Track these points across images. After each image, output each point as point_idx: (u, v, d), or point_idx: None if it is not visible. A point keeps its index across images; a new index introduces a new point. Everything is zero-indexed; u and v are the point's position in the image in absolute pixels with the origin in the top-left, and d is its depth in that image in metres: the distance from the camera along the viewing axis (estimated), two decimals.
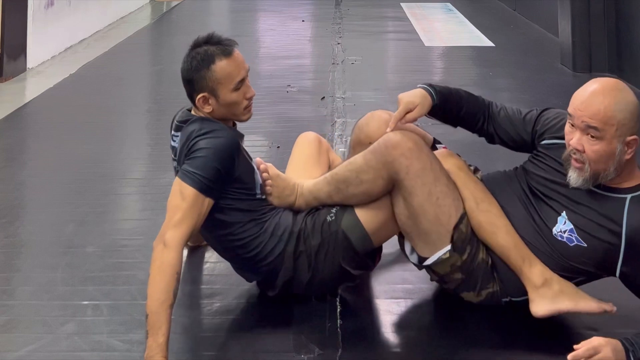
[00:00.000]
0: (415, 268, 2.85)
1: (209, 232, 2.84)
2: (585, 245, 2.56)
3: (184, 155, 2.71)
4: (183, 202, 2.61)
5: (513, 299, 2.73)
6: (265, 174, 2.84)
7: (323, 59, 7.58)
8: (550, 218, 2.64)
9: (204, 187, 2.64)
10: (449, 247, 2.67)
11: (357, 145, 3.02)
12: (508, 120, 2.83)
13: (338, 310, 2.83)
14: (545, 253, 2.64)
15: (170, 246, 2.54)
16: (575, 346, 2.36)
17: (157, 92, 6.61)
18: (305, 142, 3.21)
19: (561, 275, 2.64)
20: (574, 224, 2.59)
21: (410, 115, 2.78)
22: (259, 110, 5.84)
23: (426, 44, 8.46)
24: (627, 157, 2.51)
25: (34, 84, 6.62)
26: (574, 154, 2.53)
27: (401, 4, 11.35)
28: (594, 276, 2.65)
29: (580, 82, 2.66)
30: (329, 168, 3.13)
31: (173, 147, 2.90)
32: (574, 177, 2.55)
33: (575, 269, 2.62)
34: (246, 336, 2.68)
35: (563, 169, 2.60)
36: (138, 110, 5.91)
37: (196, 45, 2.80)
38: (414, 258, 2.79)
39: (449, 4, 11.33)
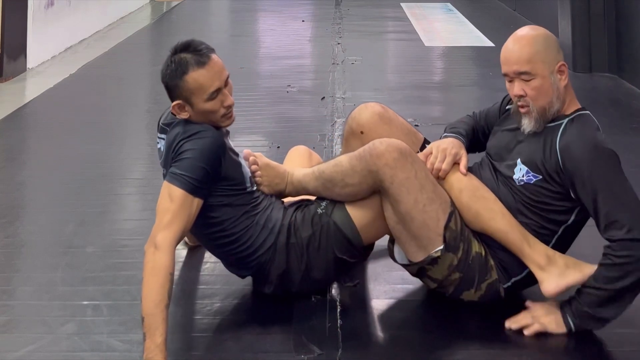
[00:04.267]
0: None
1: (201, 231, 2.84)
2: (540, 177, 2.68)
3: (170, 158, 2.72)
4: (172, 204, 2.61)
5: (515, 278, 2.74)
6: (254, 166, 2.89)
7: (323, 59, 7.58)
8: (510, 171, 2.75)
9: (192, 187, 2.64)
10: (441, 246, 2.69)
11: (350, 135, 3.06)
12: (485, 115, 3.03)
13: (338, 310, 2.83)
14: (523, 212, 2.72)
15: (161, 248, 2.54)
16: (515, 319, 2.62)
17: (157, 92, 6.59)
18: (296, 154, 3.32)
19: (546, 233, 2.71)
20: (526, 164, 2.71)
21: (462, 166, 2.81)
22: (259, 110, 5.86)
23: (426, 44, 8.46)
24: (564, 82, 2.71)
25: (34, 84, 6.62)
26: (519, 101, 2.70)
27: (401, 4, 11.35)
28: (575, 215, 2.69)
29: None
30: None
31: (159, 150, 2.91)
32: (526, 123, 2.72)
33: (551, 209, 2.68)
34: (246, 336, 2.68)
35: (511, 123, 2.80)
36: (138, 110, 5.91)
37: (174, 51, 2.76)
38: (404, 260, 2.81)
39: (449, 4, 11.33)
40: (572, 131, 2.65)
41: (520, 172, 2.72)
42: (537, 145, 2.70)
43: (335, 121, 5.23)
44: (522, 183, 2.71)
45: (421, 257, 2.72)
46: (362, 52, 7.81)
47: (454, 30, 9.37)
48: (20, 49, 6.95)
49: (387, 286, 3.02)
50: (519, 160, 2.73)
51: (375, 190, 2.75)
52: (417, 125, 5.04)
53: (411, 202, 2.67)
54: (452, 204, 2.74)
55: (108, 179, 4.29)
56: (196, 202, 2.66)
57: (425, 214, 2.68)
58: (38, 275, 3.13)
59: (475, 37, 8.86)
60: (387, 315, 2.83)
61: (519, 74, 2.68)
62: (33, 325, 2.75)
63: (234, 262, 2.88)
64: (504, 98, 2.97)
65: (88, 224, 3.63)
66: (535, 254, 2.65)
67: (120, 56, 7.91)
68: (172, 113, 2.82)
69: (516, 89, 2.70)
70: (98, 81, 6.82)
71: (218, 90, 2.73)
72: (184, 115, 2.76)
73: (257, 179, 2.88)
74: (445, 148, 2.82)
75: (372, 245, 2.97)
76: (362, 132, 2.99)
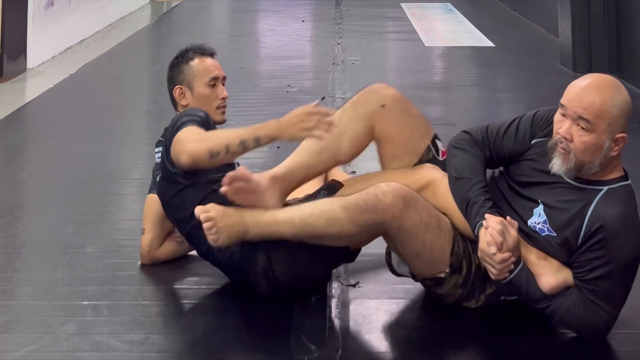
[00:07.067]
0: None
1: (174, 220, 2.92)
2: (555, 234, 2.56)
3: (171, 133, 2.81)
4: (193, 134, 2.73)
5: (507, 298, 2.72)
6: (203, 215, 2.65)
7: (323, 59, 7.58)
8: (525, 211, 2.62)
9: (201, 121, 2.80)
10: (447, 270, 2.68)
11: (363, 106, 2.89)
12: (509, 141, 2.70)
13: (338, 310, 2.83)
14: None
15: (191, 151, 2.69)
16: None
17: (157, 93, 6.59)
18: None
19: None
20: (547, 216, 2.58)
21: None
22: (259, 110, 5.85)
23: (426, 44, 8.46)
24: (614, 154, 2.50)
25: (34, 84, 6.62)
26: (561, 142, 2.50)
27: (401, 4, 11.35)
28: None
29: None
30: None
31: (156, 165, 2.98)
32: (557, 164, 2.52)
33: (549, 254, 2.59)
34: (246, 336, 2.68)
35: (544, 164, 2.57)
36: (138, 110, 5.91)
37: (180, 51, 3.13)
38: (406, 270, 2.82)
39: (449, 4, 11.34)
40: (610, 208, 2.49)
41: (538, 219, 2.59)
42: (566, 206, 2.55)
43: None
44: (534, 229, 2.59)
45: (427, 275, 2.72)
46: (362, 52, 7.81)
47: (454, 30, 9.37)
48: (20, 49, 6.95)
49: (387, 286, 3.02)
50: (541, 206, 2.59)
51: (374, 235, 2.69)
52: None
53: (419, 244, 2.63)
54: (453, 226, 2.69)
55: (108, 179, 4.29)
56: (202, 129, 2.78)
57: (433, 251, 2.65)
58: (38, 275, 3.13)
59: (475, 37, 8.86)
60: (387, 315, 2.83)
61: (580, 118, 2.46)
62: (33, 325, 2.75)
63: (217, 265, 2.90)
64: (534, 116, 2.69)
65: (88, 224, 3.63)
66: (530, 252, 2.59)
67: (120, 56, 7.91)
68: (172, 99, 3.09)
69: (565, 130, 2.49)
70: (98, 81, 6.82)
71: (217, 79, 3.06)
72: (184, 102, 3.05)
73: (211, 237, 2.66)
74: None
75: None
76: (383, 106, 2.85)
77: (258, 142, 2.67)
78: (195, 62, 3.05)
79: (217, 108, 3.04)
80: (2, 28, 6.62)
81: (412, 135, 2.86)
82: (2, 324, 2.74)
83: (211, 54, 3.11)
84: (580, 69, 6.75)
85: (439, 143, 2.92)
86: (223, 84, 3.09)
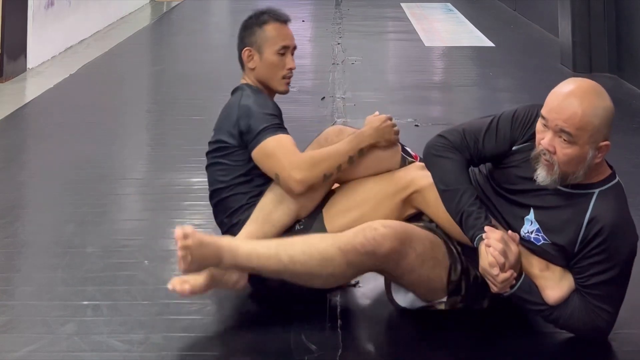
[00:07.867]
0: None
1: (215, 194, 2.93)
2: (550, 242, 2.54)
3: (241, 126, 2.83)
4: (291, 152, 2.76)
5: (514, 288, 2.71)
6: (180, 243, 2.52)
7: (323, 59, 7.59)
8: (516, 219, 2.60)
9: (279, 120, 2.84)
10: (444, 298, 2.69)
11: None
12: (489, 144, 2.66)
13: (338, 310, 2.83)
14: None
15: (302, 183, 2.73)
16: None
17: (157, 93, 6.60)
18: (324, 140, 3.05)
19: None
20: (540, 224, 2.56)
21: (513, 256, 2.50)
22: None
23: (426, 44, 8.46)
24: (597, 161, 2.46)
25: (34, 84, 6.62)
26: (544, 154, 2.45)
27: (401, 4, 11.35)
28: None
29: None
30: None
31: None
32: (542, 175, 2.48)
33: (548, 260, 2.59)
34: (246, 336, 2.68)
35: (530, 171, 2.53)
36: (138, 110, 5.91)
37: (254, 12, 3.09)
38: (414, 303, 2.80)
39: (449, 4, 11.34)
40: (605, 212, 2.47)
41: (530, 227, 2.57)
42: (558, 213, 2.53)
43: (336, 121, 5.22)
44: (529, 239, 2.57)
45: (427, 300, 2.74)
46: (362, 52, 7.82)
47: (454, 30, 9.37)
48: (20, 49, 6.95)
49: None
50: (531, 214, 2.57)
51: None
52: (417, 125, 5.04)
53: (415, 276, 2.64)
54: (447, 253, 2.68)
55: (108, 179, 4.29)
56: (289, 137, 2.81)
57: (430, 281, 2.66)
58: (38, 275, 3.13)
59: (475, 37, 8.87)
60: (387, 316, 2.83)
61: (562, 131, 2.40)
62: (33, 325, 2.75)
63: None
64: (513, 118, 2.64)
65: (88, 224, 3.63)
66: (532, 264, 2.58)
67: (120, 56, 7.91)
68: (240, 59, 3.04)
69: (547, 142, 2.43)
70: (98, 81, 6.82)
71: (287, 48, 2.99)
72: (251, 65, 3.00)
73: (183, 265, 2.53)
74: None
75: None
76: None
77: (362, 153, 2.80)
78: (269, 27, 2.99)
79: (283, 78, 2.99)
80: (2, 28, 6.61)
81: (380, 163, 2.86)
82: (2, 324, 2.74)
83: (286, 21, 3.04)
84: (580, 69, 6.75)
85: (408, 149, 2.96)
86: (292, 54, 3.02)
